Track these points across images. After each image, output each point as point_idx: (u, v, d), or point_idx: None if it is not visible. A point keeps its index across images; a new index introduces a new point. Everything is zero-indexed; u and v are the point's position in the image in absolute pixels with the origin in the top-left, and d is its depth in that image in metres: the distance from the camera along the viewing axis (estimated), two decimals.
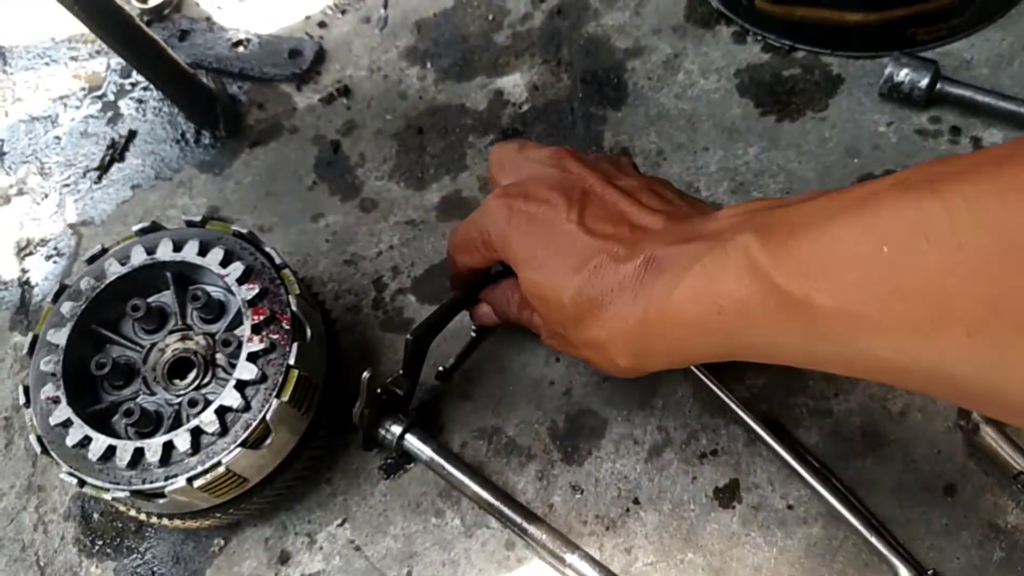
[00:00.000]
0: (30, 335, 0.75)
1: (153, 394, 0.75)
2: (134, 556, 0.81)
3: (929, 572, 0.69)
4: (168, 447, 0.69)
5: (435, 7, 1.08)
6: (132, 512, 0.76)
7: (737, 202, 0.87)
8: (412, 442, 0.78)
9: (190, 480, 0.68)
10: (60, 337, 0.74)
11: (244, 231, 0.77)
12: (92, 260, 0.78)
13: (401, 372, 0.76)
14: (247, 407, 0.70)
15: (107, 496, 0.69)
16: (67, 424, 0.71)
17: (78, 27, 0.89)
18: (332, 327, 0.82)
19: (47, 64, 1.14)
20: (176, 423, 0.73)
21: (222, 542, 0.80)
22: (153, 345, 0.77)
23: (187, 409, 0.73)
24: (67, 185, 1.04)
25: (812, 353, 0.52)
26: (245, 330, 0.72)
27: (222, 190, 0.99)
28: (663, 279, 0.58)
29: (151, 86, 1.06)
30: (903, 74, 0.87)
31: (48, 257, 0.99)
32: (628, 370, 0.64)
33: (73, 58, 1.13)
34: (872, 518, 0.72)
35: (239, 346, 0.72)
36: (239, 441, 0.69)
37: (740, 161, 0.90)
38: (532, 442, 0.80)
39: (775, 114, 0.92)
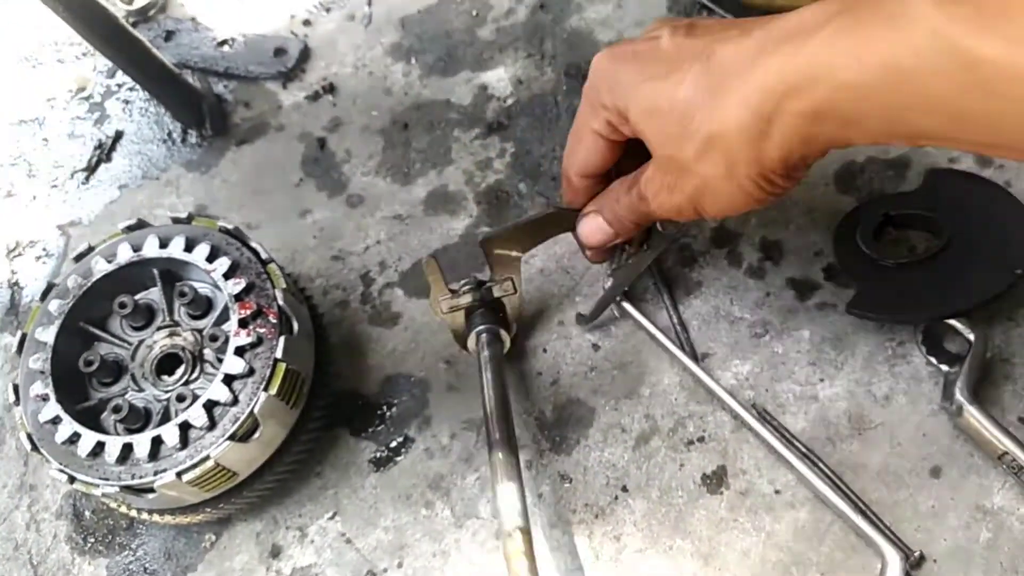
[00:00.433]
0: (19, 334, 0.76)
1: (142, 390, 0.76)
2: (126, 553, 0.81)
3: (916, 554, 0.70)
4: (157, 442, 0.69)
5: (419, 3, 1.08)
6: (123, 509, 0.76)
7: None
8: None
9: (179, 474, 0.68)
10: (48, 335, 0.74)
11: (230, 227, 0.77)
12: (79, 258, 0.78)
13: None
14: (235, 401, 0.70)
15: (97, 492, 0.69)
16: (56, 421, 0.71)
17: (64, 29, 0.89)
18: (320, 321, 0.82)
19: (34, 66, 1.14)
20: (165, 419, 0.73)
21: (213, 537, 0.80)
22: (141, 342, 0.77)
23: (176, 404, 0.73)
24: (55, 186, 1.04)
25: (967, 113, 0.48)
26: (232, 325, 0.72)
27: (209, 188, 1.00)
28: (793, 34, 0.53)
29: (137, 87, 1.07)
30: None
31: (37, 258, 1.00)
32: (755, 175, 0.58)
33: (60, 60, 1.14)
34: (859, 501, 0.72)
35: (226, 341, 0.72)
36: (227, 435, 0.69)
37: None
38: (521, 432, 0.80)
39: None
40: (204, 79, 1.06)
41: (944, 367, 0.75)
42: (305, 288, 0.85)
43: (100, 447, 0.70)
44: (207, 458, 0.69)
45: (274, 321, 0.73)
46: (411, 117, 1.00)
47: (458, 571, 0.76)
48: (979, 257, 0.76)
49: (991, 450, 0.71)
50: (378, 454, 0.81)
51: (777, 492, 0.74)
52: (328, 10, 1.10)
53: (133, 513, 0.77)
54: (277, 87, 1.06)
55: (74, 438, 0.70)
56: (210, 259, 0.75)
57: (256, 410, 0.70)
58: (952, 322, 0.75)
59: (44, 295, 0.77)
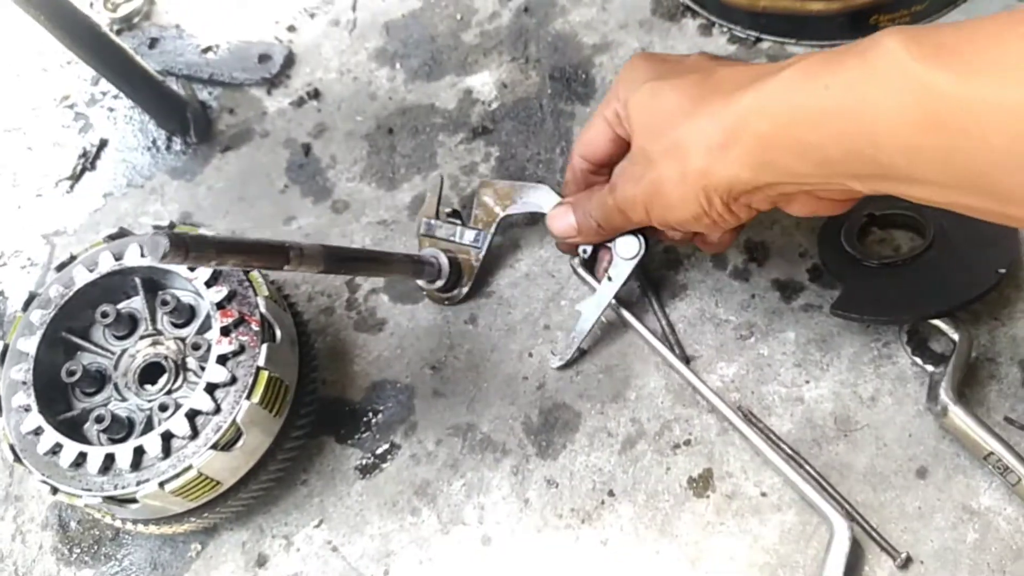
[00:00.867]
0: (1, 344, 0.75)
1: (124, 400, 0.75)
2: (112, 563, 0.81)
3: (903, 555, 0.69)
4: (139, 452, 0.69)
5: (403, 8, 1.08)
6: (108, 519, 0.76)
7: None
8: None
9: (162, 484, 0.68)
10: (30, 345, 0.74)
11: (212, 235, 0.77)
12: (61, 268, 0.78)
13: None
14: (217, 409, 0.70)
15: (79, 503, 0.69)
16: (38, 432, 0.71)
17: (48, 39, 0.89)
18: (304, 328, 0.82)
19: (18, 75, 1.14)
20: (148, 428, 0.73)
21: (199, 547, 0.80)
22: (124, 351, 0.77)
23: (158, 414, 0.72)
24: (40, 195, 1.04)
25: (928, 152, 0.49)
26: (214, 333, 0.72)
27: (194, 196, 1.00)
28: (775, 75, 0.56)
29: (122, 94, 1.06)
30: None
31: (22, 267, 0.99)
32: (702, 188, 0.61)
33: (44, 69, 1.13)
34: (845, 503, 0.72)
35: (208, 349, 0.72)
36: (210, 444, 0.69)
37: None
38: (507, 437, 0.80)
39: None
40: (188, 86, 1.06)
41: (929, 367, 0.75)
42: (290, 295, 0.85)
43: (82, 457, 0.69)
44: (190, 467, 0.69)
45: (256, 329, 0.73)
46: (396, 122, 1.00)
47: None
48: (963, 257, 0.76)
49: (977, 450, 0.71)
50: (364, 461, 0.81)
51: (763, 495, 0.74)
52: (312, 16, 1.10)
53: (118, 523, 0.76)
54: (262, 93, 1.05)
55: (56, 449, 0.70)
56: (192, 267, 0.75)
57: (239, 419, 0.69)
58: (937, 322, 0.75)
59: (26, 305, 0.77)
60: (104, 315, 0.76)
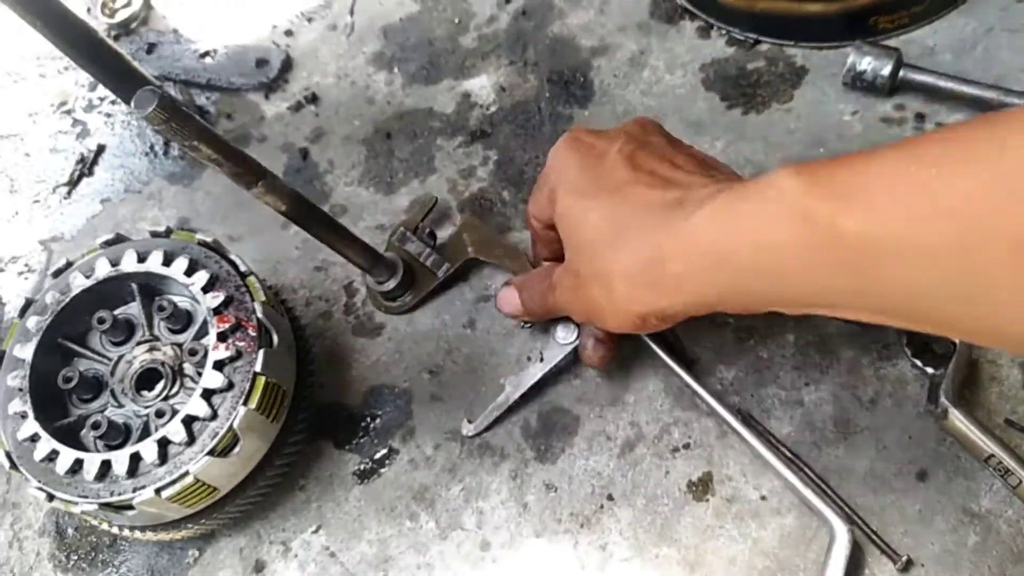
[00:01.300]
0: None
1: (121, 406, 0.75)
2: (109, 570, 0.81)
3: (903, 558, 0.69)
4: (135, 458, 0.69)
5: (401, 12, 1.08)
6: (105, 526, 0.76)
7: None
8: None
9: (158, 491, 0.68)
10: (26, 352, 0.74)
11: (209, 240, 0.77)
12: (58, 274, 0.78)
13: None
14: (214, 415, 0.70)
15: (76, 509, 0.69)
16: (34, 439, 0.70)
17: (45, 44, 0.88)
18: (302, 333, 0.81)
19: (15, 81, 1.13)
20: (145, 434, 0.72)
21: (196, 553, 0.80)
22: (121, 357, 0.77)
23: (155, 420, 0.72)
24: (37, 201, 1.04)
25: (836, 287, 0.51)
26: (211, 338, 0.72)
27: (192, 201, 0.99)
28: (684, 209, 0.58)
29: (119, 100, 1.06)
30: (866, 63, 0.87)
31: (19, 273, 0.99)
32: (632, 313, 0.63)
33: (41, 75, 1.13)
34: (845, 506, 0.71)
35: (205, 355, 0.72)
36: (207, 450, 0.69)
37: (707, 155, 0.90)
38: (505, 442, 0.80)
39: (741, 107, 0.92)
40: (186, 91, 1.05)
41: (929, 369, 0.75)
42: (287, 300, 0.85)
43: (79, 464, 0.69)
44: (186, 474, 0.68)
45: (253, 334, 0.72)
46: (394, 126, 1.00)
47: None
48: None
49: (977, 453, 0.70)
50: (362, 466, 0.81)
51: (763, 498, 0.74)
52: (310, 20, 1.10)
53: (115, 530, 0.76)
54: (259, 98, 1.05)
55: (52, 456, 0.70)
56: (188, 273, 0.75)
57: (236, 424, 0.69)
58: None
59: (22, 312, 0.76)
60: (101, 321, 0.75)
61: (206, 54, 1.09)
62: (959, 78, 0.86)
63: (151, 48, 1.10)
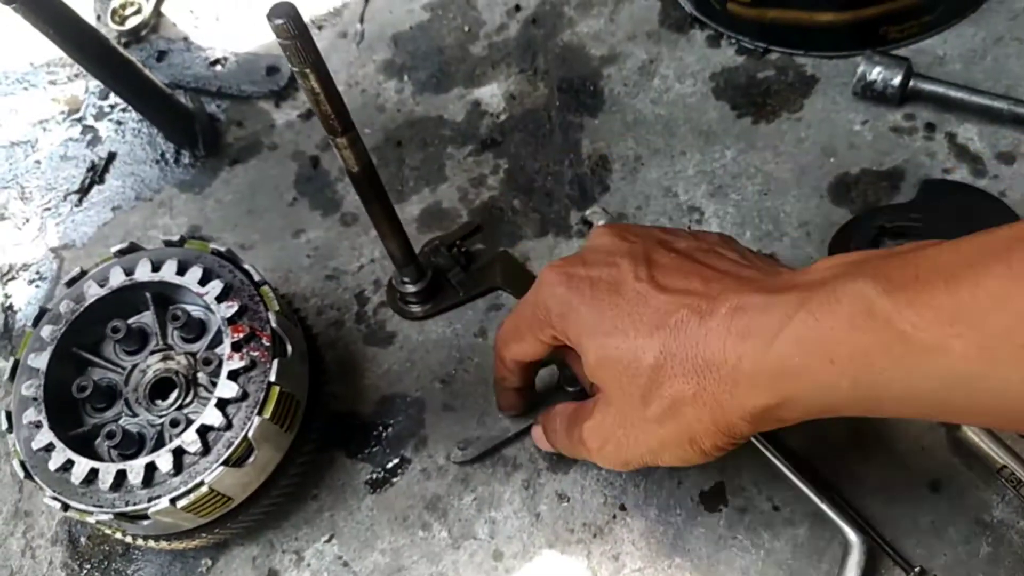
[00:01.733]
0: (12, 360, 0.75)
1: (135, 415, 0.75)
2: None
3: (916, 569, 0.69)
4: (150, 468, 0.69)
5: (411, 20, 1.08)
6: (118, 535, 0.76)
7: (715, 204, 0.87)
8: None
9: (173, 501, 0.68)
10: (40, 361, 0.74)
11: (223, 249, 0.77)
12: (71, 283, 0.78)
13: None
14: (229, 425, 0.70)
15: (91, 519, 0.69)
16: (49, 448, 0.70)
17: (56, 51, 0.89)
18: (314, 342, 0.82)
19: (26, 89, 1.14)
20: (159, 444, 0.73)
21: (209, 562, 0.80)
22: (134, 366, 0.77)
23: (169, 429, 0.72)
24: (48, 209, 1.04)
25: (940, 400, 0.49)
26: (225, 348, 0.72)
27: (203, 209, 1.00)
28: (758, 328, 0.53)
29: (130, 108, 1.07)
30: (876, 72, 0.87)
31: (30, 282, 0.99)
32: (715, 444, 0.58)
33: (52, 82, 1.14)
34: (858, 517, 0.72)
35: (220, 364, 0.72)
36: (221, 460, 0.69)
37: (717, 164, 0.91)
38: (517, 452, 0.80)
39: (751, 116, 0.93)
40: (197, 99, 1.06)
41: None
42: (299, 308, 0.85)
43: (94, 474, 0.69)
44: (201, 484, 0.68)
45: (267, 344, 0.73)
46: (404, 134, 1.00)
47: None
48: None
49: (990, 463, 0.70)
50: (374, 475, 0.81)
51: (776, 509, 0.74)
52: (320, 28, 1.10)
53: (128, 539, 0.76)
54: (270, 106, 1.05)
55: (67, 465, 0.70)
56: (202, 282, 0.75)
57: (250, 434, 0.69)
58: None
59: (36, 320, 0.77)
60: (115, 330, 0.76)
61: (216, 62, 1.09)
62: (969, 88, 0.87)
63: (161, 56, 1.11)
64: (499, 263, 0.89)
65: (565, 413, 0.69)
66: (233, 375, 0.71)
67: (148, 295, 0.77)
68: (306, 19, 1.09)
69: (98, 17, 1.14)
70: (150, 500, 0.68)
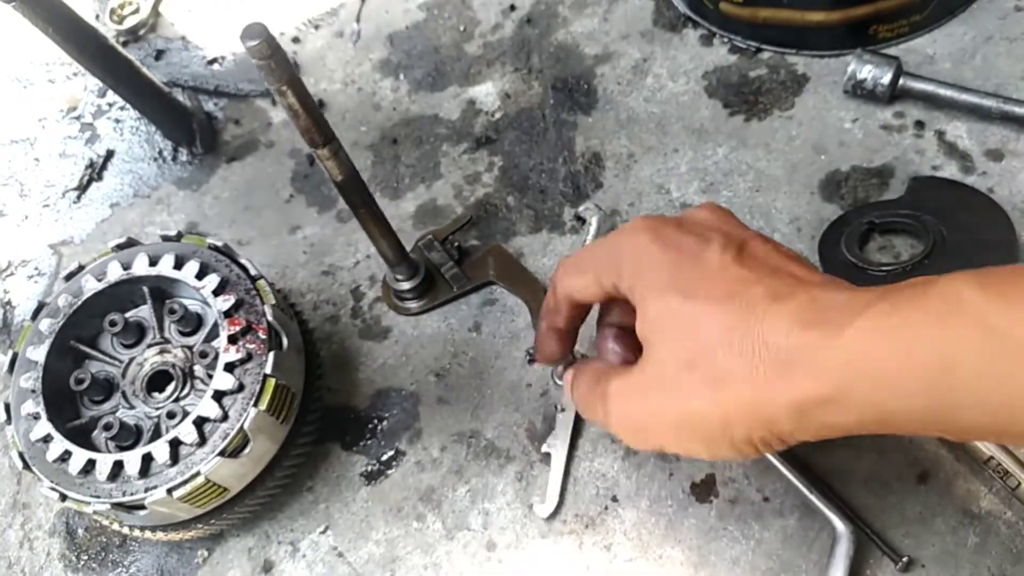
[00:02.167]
0: (10, 353, 0.76)
1: (132, 407, 0.76)
2: (119, 570, 0.82)
3: (904, 559, 0.70)
4: (147, 459, 0.70)
5: (407, 20, 1.09)
6: (116, 526, 0.77)
7: (707, 199, 0.88)
8: None
9: (170, 491, 0.69)
10: (39, 354, 0.75)
11: (219, 244, 0.78)
12: (69, 277, 0.79)
13: None
14: (225, 417, 0.71)
15: (88, 509, 0.70)
16: (47, 439, 0.71)
17: (55, 50, 0.90)
18: (310, 337, 0.82)
19: (25, 87, 1.15)
20: (156, 436, 0.73)
21: (206, 553, 0.80)
22: (132, 359, 0.78)
23: (166, 421, 0.73)
24: (47, 206, 1.05)
25: None
26: (222, 341, 0.73)
27: (200, 206, 1.00)
28: (831, 317, 0.51)
29: (128, 106, 1.07)
30: (866, 71, 0.88)
31: (29, 277, 1.00)
32: (747, 437, 0.55)
33: (51, 80, 1.15)
34: (846, 508, 0.72)
35: (216, 357, 0.73)
36: (217, 451, 0.70)
37: (710, 161, 0.91)
38: (511, 444, 0.81)
39: (743, 114, 0.94)
40: (194, 97, 1.07)
41: None
42: (295, 303, 0.86)
43: (91, 465, 0.70)
44: (197, 474, 0.69)
45: (263, 337, 0.73)
46: (400, 132, 1.01)
47: None
48: (962, 263, 0.76)
49: (977, 455, 0.71)
50: (369, 468, 0.82)
51: (766, 500, 0.75)
52: (317, 27, 1.11)
53: (125, 530, 0.77)
54: (267, 104, 1.06)
55: (65, 456, 0.70)
56: (199, 276, 0.76)
57: (246, 426, 0.70)
58: None
59: (35, 314, 0.77)
60: (112, 324, 0.76)
61: (214, 60, 1.10)
62: (958, 86, 0.88)
63: (159, 54, 1.12)
64: (492, 257, 0.90)
65: (596, 366, 0.66)
66: (229, 367, 0.72)
67: (145, 289, 0.78)
68: (303, 18, 1.11)
69: (97, 16, 1.15)
70: (147, 490, 0.69)
